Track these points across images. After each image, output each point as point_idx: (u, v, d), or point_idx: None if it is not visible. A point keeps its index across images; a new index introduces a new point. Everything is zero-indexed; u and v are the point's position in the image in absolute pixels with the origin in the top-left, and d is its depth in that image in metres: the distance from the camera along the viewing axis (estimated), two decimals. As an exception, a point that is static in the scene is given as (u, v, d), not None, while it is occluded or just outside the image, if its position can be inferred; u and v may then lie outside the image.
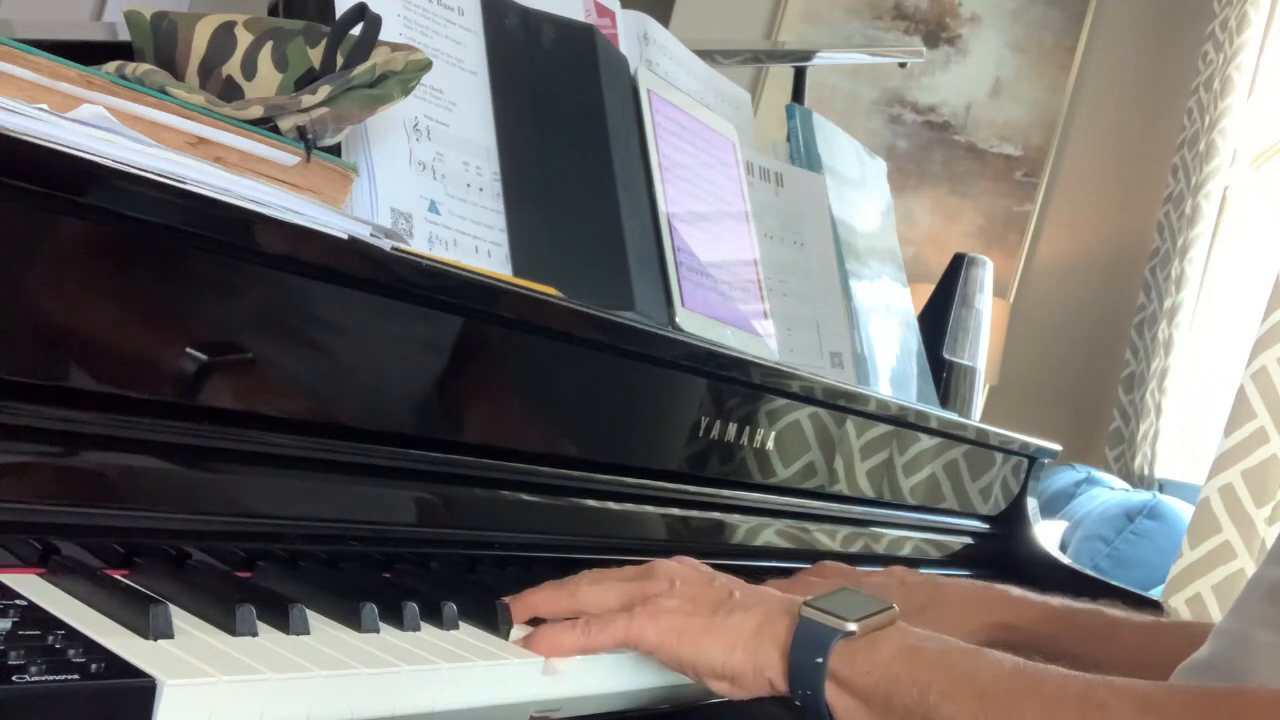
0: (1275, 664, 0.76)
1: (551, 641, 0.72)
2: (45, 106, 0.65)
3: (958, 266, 1.91)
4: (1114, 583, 1.57)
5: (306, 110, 0.83)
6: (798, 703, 0.72)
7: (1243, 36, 3.18)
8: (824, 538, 1.27)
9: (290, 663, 0.56)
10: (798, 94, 1.95)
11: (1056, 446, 1.63)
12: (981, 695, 0.65)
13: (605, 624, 0.73)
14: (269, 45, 0.90)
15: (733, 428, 1.07)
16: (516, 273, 0.99)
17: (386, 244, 0.76)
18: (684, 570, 0.78)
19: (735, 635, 0.73)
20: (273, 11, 1.04)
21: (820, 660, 0.70)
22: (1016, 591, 1.04)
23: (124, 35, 0.96)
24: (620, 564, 0.87)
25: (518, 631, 0.73)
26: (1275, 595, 0.77)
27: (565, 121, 1.08)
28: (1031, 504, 1.61)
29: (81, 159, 0.61)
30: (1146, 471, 3.17)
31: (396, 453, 0.81)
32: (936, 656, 0.69)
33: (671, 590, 0.76)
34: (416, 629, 0.67)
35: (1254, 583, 0.81)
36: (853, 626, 0.70)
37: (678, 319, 1.11)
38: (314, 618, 0.63)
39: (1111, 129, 3.71)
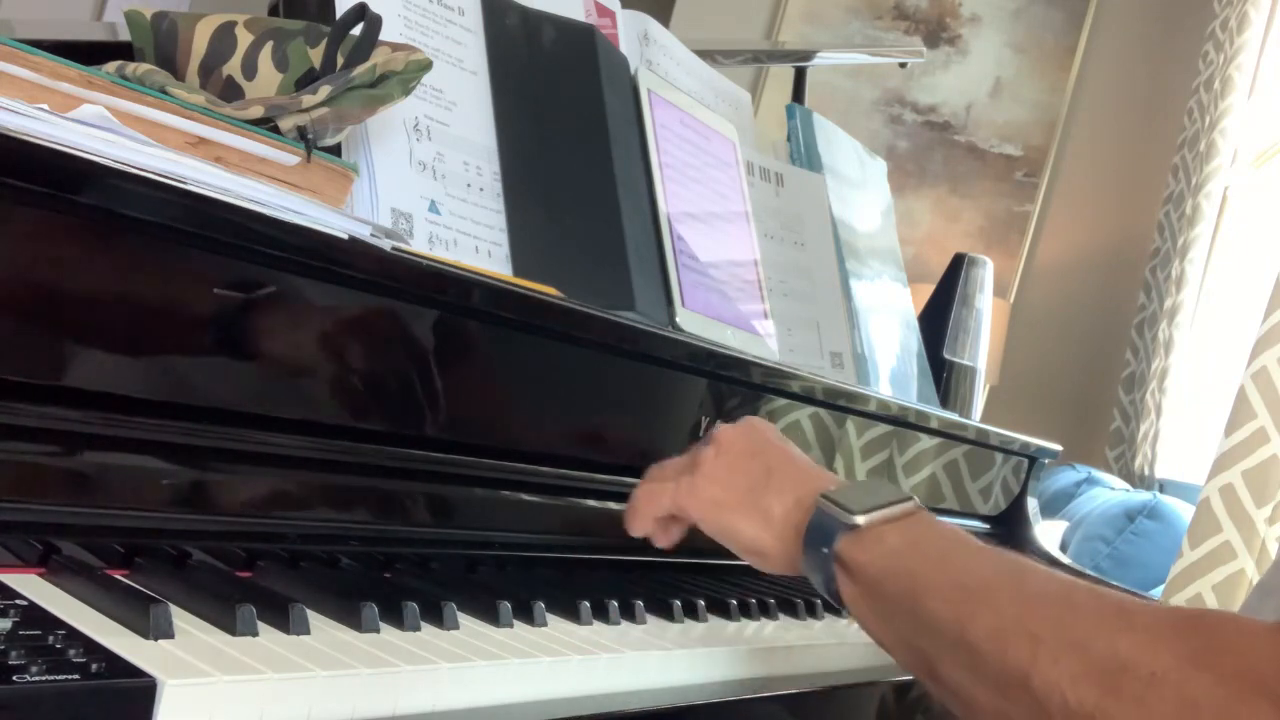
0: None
1: (628, 516, 0.83)
2: (46, 106, 0.65)
3: (958, 266, 1.91)
4: (1114, 583, 1.57)
5: (307, 110, 0.83)
6: (817, 586, 0.76)
7: (1243, 36, 3.18)
8: (824, 538, 1.27)
9: (290, 663, 0.56)
10: (798, 94, 1.95)
11: (1057, 446, 1.63)
12: (964, 589, 0.66)
13: (656, 496, 0.82)
14: (269, 45, 0.90)
15: (733, 428, 1.07)
16: (516, 273, 0.99)
17: (387, 244, 0.76)
18: (734, 438, 0.83)
19: (764, 518, 0.78)
20: (273, 11, 1.04)
21: (826, 550, 0.73)
22: None
23: (124, 35, 0.96)
24: (621, 564, 0.87)
25: (520, 631, 0.73)
26: None
27: (565, 121, 1.08)
28: (1032, 504, 1.61)
29: (82, 159, 0.61)
30: (1146, 471, 3.17)
31: (396, 453, 0.81)
32: (935, 553, 0.70)
33: (716, 458, 0.81)
34: (417, 629, 0.67)
35: None
36: (859, 519, 0.72)
37: (678, 319, 1.11)
38: (314, 617, 0.63)
39: (1112, 129, 3.71)
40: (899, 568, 0.70)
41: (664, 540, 0.88)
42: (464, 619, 0.71)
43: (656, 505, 0.83)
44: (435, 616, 0.69)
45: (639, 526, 0.86)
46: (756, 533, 0.79)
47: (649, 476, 0.86)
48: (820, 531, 0.74)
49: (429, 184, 0.97)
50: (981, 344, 1.91)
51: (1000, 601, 0.64)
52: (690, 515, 0.82)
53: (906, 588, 0.69)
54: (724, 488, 0.80)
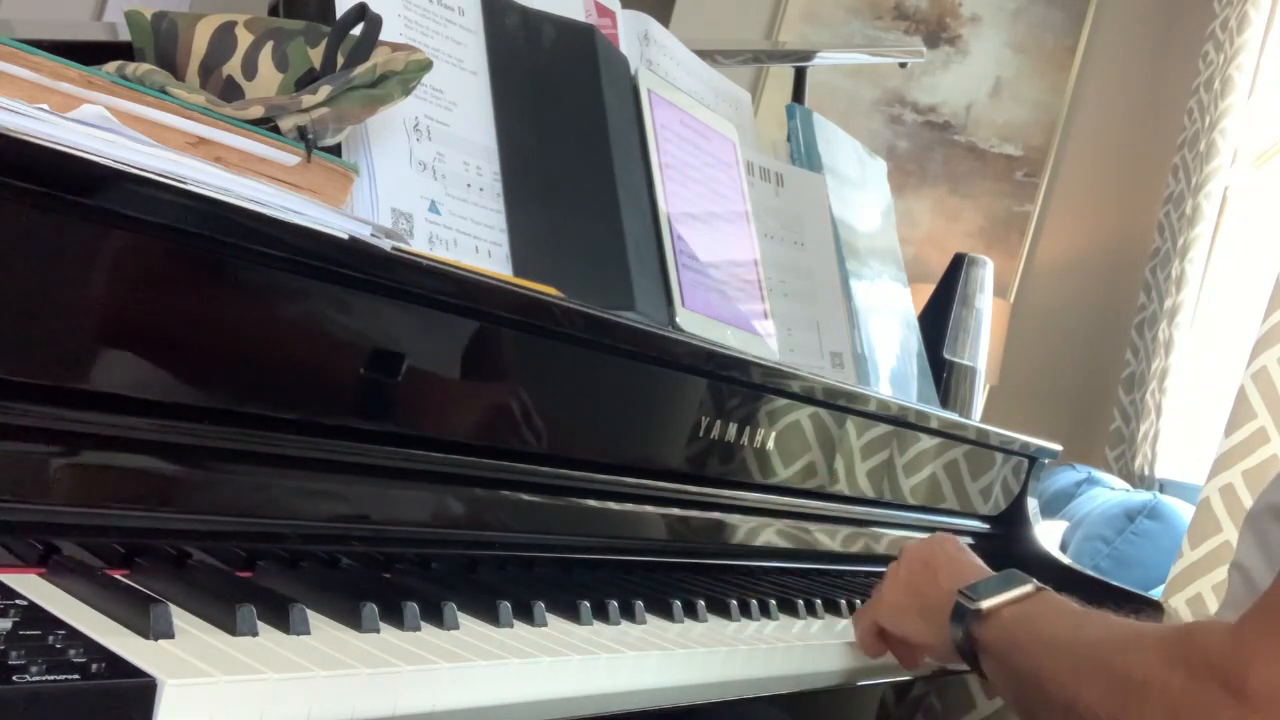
0: (1234, 588, 0.91)
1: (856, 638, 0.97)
2: (46, 106, 0.65)
3: (958, 266, 1.91)
4: (1114, 583, 1.57)
5: (307, 110, 0.83)
6: (973, 668, 0.88)
7: (1243, 36, 3.18)
8: (824, 538, 1.27)
9: (290, 663, 0.56)
10: (798, 94, 1.95)
11: (1057, 446, 1.63)
12: (1040, 644, 0.80)
13: (862, 616, 0.97)
14: (269, 45, 0.90)
15: (733, 428, 1.07)
16: (516, 273, 0.99)
17: (387, 244, 0.76)
18: (913, 551, 0.97)
19: (930, 617, 0.91)
20: (273, 11, 1.04)
21: (962, 634, 0.87)
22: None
23: (124, 35, 0.96)
24: (621, 564, 0.87)
25: (520, 631, 0.73)
26: (1255, 519, 0.90)
27: (565, 121, 1.08)
28: (1032, 504, 1.61)
29: (82, 159, 0.61)
30: (1146, 471, 3.17)
31: (396, 453, 0.81)
32: (1029, 620, 0.84)
33: (896, 574, 0.96)
34: (417, 629, 0.67)
35: (1252, 511, 0.93)
36: (983, 604, 0.86)
37: (678, 319, 1.11)
38: (314, 618, 0.63)
39: (1112, 129, 3.71)
40: (1008, 639, 0.84)
41: (907, 661, 0.98)
42: (464, 619, 0.71)
43: (863, 623, 0.96)
44: (435, 616, 0.69)
45: (865, 648, 0.97)
46: (924, 629, 0.92)
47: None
48: (959, 619, 0.87)
49: (429, 184, 0.97)
50: (981, 344, 1.91)
51: (1060, 648, 0.77)
52: (881, 624, 0.95)
53: (1009, 653, 0.83)
54: (900, 595, 0.94)
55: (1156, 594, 1.62)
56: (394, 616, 0.67)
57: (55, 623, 0.52)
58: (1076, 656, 0.74)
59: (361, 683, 0.58)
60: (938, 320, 1.87)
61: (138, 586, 0.61)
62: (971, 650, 0.87)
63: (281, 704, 0.54)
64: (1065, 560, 1.61)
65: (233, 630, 0.58)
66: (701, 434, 1.04)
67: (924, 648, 0.93)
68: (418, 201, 0.95)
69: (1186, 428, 3.17)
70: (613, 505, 0.99)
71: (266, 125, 0.82)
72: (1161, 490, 2.92)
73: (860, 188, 1.63)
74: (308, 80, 0.87)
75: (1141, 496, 2.66)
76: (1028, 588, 0.87)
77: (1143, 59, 3.70)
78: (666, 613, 0.87)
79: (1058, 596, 0.87)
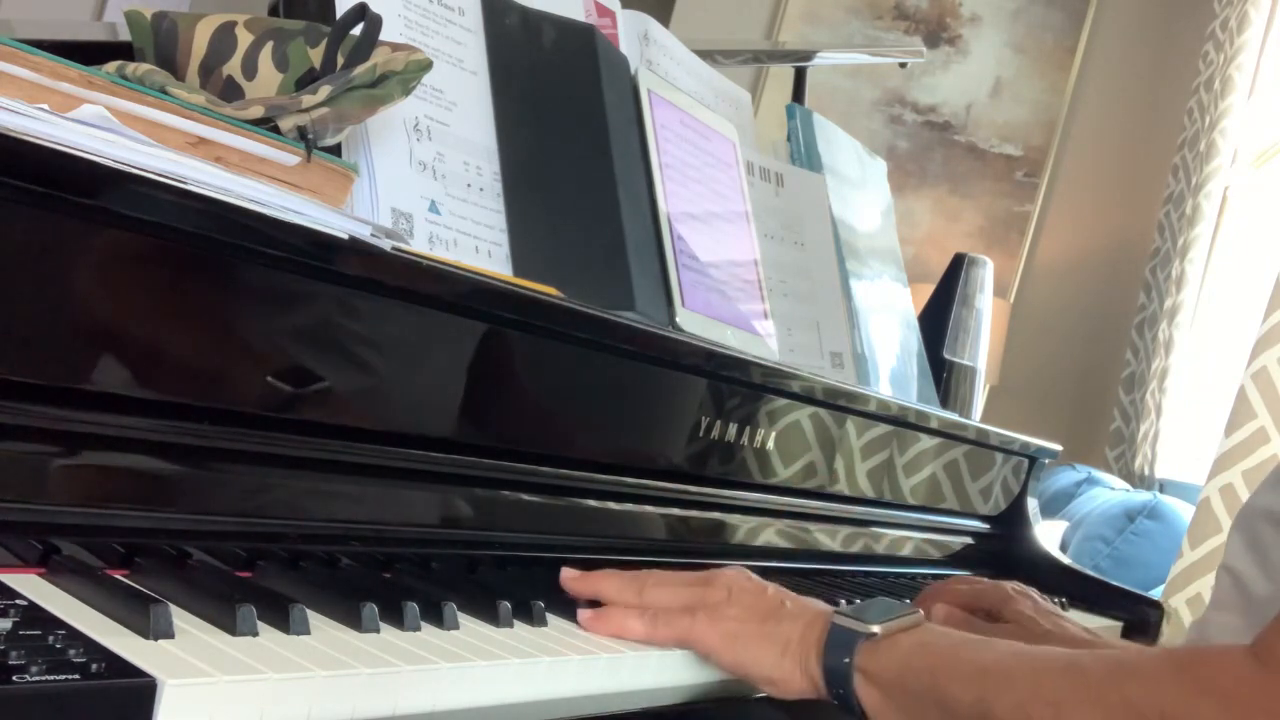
0: (1222, 591, 0.86)
1: (620, 625, 0.79)
2: (46, 106, 0.65)
3: (958, 266, 1.91)
4: (1114, 583, 1.57)
5: (307, 110, 0.83)
6: (835, 701, 0.79)
7: (1243, 36, 3.18)
8: (824, 538, 1.27)
9: (290, 663, 0.56)
10: (798, 94, 1.95)
11: (1057, 446, 1.63)
12: (983, 672, 0.72)
13: (671, 621, 0.80)
14: (269, 45, 0.90)
15: (733, 428, 1.07)
16: (516, 273, 0.99)
17: (387, 244, 0.76)
18: (740, 579, 0.84)
19: (783, 643, 0.80)
20: (273, 11, 1.04)
21: (847, 660, 0.77)
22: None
23: (124, 35, 0.96)
24: (620, 564, 0.87)
25: (520, 631, 0.73)
26: (1246, 521, 0.86)
27: (565, 121, 1.08)
28: (1032, 504, 1.61)
29: (82, 159, 0.61)
30: (1147, 471, 3.17)
31: (396, 452, 0.81)
32: (947, 647, 0.76)
33: (729, 599, 0.82)
34: (417, 629, 0.67)
35: (1242, 513, 0.88)
36: (875, 628, 0.77)
37: (678, 319, 1.11)
38: (314, 618, 0.63)
39: (1112, 129, 3.71)
40: (917, 665, 0.75)
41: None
42: (464, 619, 0.71)
43: (667, 635, 0.80)
44: (435, 616, 0.69)
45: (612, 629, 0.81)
46: (775, 660, 0.80)
47: (646, 600, 0.82)
48: (840, 644, 0.78)
49: (429, 184, 0.97)
50: (981, 344, 1.91)
51: (1016, 678, 0.70)
52: (704, 648, 0.80)
53: (928, 682, 0.74)
54: (742, 622, 0.82)
55: (1156, 594, 1.62)
56: (394, 616, 0.67)
57: (55, 623, 0.52)
58: (1046, 687, 0.68)
59: (361, 683, 0.58)
60: (938, 320, 1.87)
61: (138, 586, 0.61)
62: (850, 681, 0.77)
63: (281, 704, 0.54)
64: (1065, 560, 1.62)
65: (233, 630, 0.58)
66: (701, 434, 1.04)
67: (770, 681, 0.80)
68: (418, 201, 0.95)
69: (1186, 428, 3.18)
70: (613, 505, 0.99)
71: (266, 125, 0.82)
72: (1161, 490, 2.92)
73: (860, 188, 1.63)
74: (308, 80, 0.87)
75: (1141, 496, 2.66)
76: (916, 614, 0.80)
77: (1143, 59, 3.70)
78: (666, 613, 0.87)
79: (942, 627, 0.82)
